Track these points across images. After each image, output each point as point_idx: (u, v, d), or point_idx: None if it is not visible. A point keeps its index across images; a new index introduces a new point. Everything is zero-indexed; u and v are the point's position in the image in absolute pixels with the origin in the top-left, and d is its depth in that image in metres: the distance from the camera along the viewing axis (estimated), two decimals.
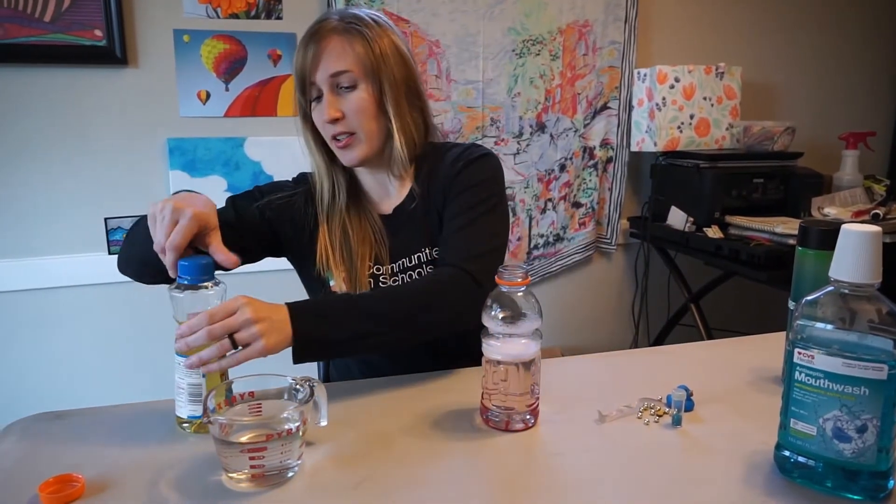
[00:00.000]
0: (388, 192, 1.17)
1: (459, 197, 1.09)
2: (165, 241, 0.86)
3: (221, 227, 0.96)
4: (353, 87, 1.06)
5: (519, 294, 0.84)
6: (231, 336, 0.80)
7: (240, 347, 0.81)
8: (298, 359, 0.88)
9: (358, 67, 1.05)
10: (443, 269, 1.03)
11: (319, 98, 1.07)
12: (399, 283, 1.11)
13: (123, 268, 1.07)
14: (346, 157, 1.10)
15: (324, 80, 1.05)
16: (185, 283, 0.85)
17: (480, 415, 0.89)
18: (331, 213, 1.14)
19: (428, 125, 1.17)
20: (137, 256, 1.01)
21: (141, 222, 0.99)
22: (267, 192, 1.16)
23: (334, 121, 1.05)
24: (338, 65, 1.04)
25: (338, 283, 1.09)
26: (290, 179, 1.23)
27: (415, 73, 1.13)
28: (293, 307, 0.87)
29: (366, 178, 1.18)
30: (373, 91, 1.07)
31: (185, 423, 0.85)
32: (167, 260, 0.87)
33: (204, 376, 0.83)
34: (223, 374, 0.84)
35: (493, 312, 0.84)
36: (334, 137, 1.08)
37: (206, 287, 0.85)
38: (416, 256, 1.13)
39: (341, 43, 1.05)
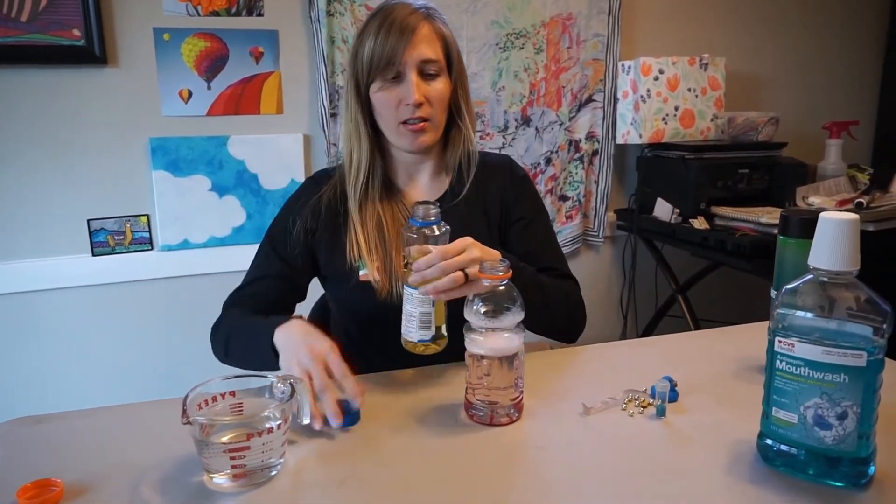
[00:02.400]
0: (419, 185, 1.20)
1: (537, 216, 1.22)
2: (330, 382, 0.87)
3: (277, 281, 1.13)
4: (436, 76, 1.10)
5: (501, 288, 0.84)
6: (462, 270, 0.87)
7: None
8: None
9: (444, 59, 1.11)
10: (574, 291, 1.16)
11: (396, 80, 1.08)
12: (555, 282, 1.12)
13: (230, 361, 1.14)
14: (416, 140, 1.10)
15: (412, 64, 1.07)
16: (417, 224, 0.89)
17: (465, 410, 0.89)
18: (364, 202, 1.13)
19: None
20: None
21: (234, 347, 1.11)
22: (296, 213, 1.17)
23: (419, 104, 1.07)
24: (429, 52, 1.08)
25: (371, 272, 1.09)
26: (303, 183, 1.24)
27: None
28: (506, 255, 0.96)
29: (402, 168, 1.19)
30: (449, 85, 1.12)
31: (418, 345, 0.91)
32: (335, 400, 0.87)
33: (433, 304, 0.89)
34: (446, 304, 0.91)
35: (475, 307, 0.84)
36: (407, 121, 1.08)
37: (434, 230, 0.89)
38: None
39: (433, 32, 1.09)
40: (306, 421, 0.82)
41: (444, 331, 0.91)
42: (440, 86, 1.10)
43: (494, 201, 1.20)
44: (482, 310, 0.83)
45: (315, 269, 1.18)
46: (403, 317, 0.91)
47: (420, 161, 1.18)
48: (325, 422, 0.84)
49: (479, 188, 1.19)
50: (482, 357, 0.84)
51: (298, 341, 0.92)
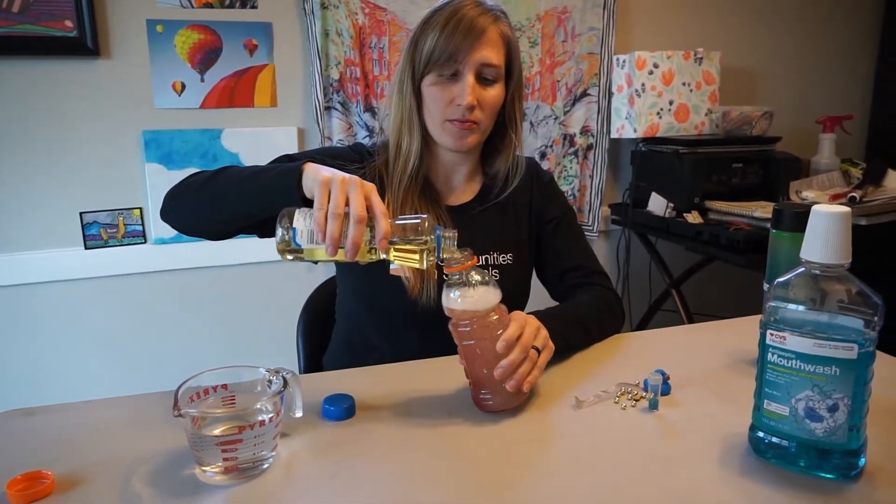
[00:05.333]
0: (454, 186, 1.20)
1: (566, 216, 1.24)
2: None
3: None
4: (493, 82, 1.08)
5: (471, 275, 0.84)
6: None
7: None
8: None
9: (503, 66, 1.10)
10: (606, 293, 1.18)
11: (452, 77, 1.07)
12: (588, 301, 1.15)
13: (183, 220, 1.03)
14: (460, 140, 1.10)
15: (472, 66, 1.06)
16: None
17: (474, 402, 0.88)
18: (405, 196, 1.13)
19: None
20: (214, 215, 0.98)
21: (225, 177, 0.96)
22: (329, 160, 1.11)
23: (470, 107, 1.06)
24: (492, 56, 1.07)
25: (403, 269, 1.09)
26: (344, 147, 1.23)
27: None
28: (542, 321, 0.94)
29: (441, 166, 1.19)
30: (503, 92, 1.11)
31: (288, 243, 0.80)
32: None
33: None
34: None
35: (451, 296, 0.84)
36: (455, 120, 1.08)
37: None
38: (482, 258, 1.15)
39: (499, 36, 1.08)
40: (299, 414, 0.82)
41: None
42: (494, 92, 1.09)
43: (523, 206, 1.22)
44: (459, 300, 0.83)
45: None
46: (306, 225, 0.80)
47: (460, 162, 1.19)
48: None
49: (516, 195, 1.20)
50: (468, 325, 0.84)
51: (340, 172, 0.83)
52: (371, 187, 0.81)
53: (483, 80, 1.07)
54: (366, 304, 1.17)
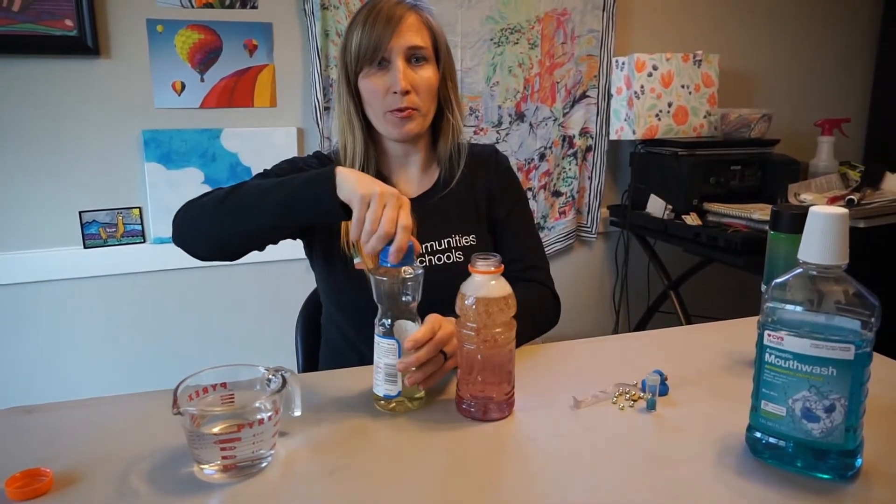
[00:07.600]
0: (409, 177, 1.21)
1: (516, 206, 1.24)
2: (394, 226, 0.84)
3: None
4: (423, 65, 1.10)
5: (492, 283, 0.84)
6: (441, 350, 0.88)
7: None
8: None
9: (430, 48, 1.11)
10: (542, 290, 1.19)
11: (383, 68, 1.08)
12: (519, 299, 1.13)
13: (201, 241, 1.03)
14: (403, 128, 1.11)
15: (399, 51, 1.07)
16: (388, 265, 0.85)
17: (456, 406, 0.88)
18: None
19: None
20: (239, 230, 0.98)
21: (243, 192, 0.98)
22: (295, 172, 1.13)
23: (405, 92, 1.07)
24: (416, 39, 1.09)
25: (364, 261, 1.09)
26: (307, 156, 1.24)
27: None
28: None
29: (393, 160, 1.20)
30: (438, 73, 1.13)
31: (381, 400, 0.88)
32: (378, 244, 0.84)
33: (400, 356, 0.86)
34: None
35: (466, 304, 0.83)
36: (394, 109, 1.09)
37: (405, 270, 0.85)
38: (445, 241, 1.17)
39: (419, 21, 1.10)
40: (297, 413, 0.82)
41: (418, 389, 0.88)
42: (427, 73, 1.11)
43: (482, 191, 1.22)
44: (473, 305, 0.83)
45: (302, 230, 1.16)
46: (373, 368, 0.88)
47: (410, 153, 1.20)
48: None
49: (467, 179, 1.20)
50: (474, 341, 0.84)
51: (374, 180, 0.88)
52: (405, 201, 0.86)
53: (413, 63, 1.10)
54: (336, 301, 1.19)
